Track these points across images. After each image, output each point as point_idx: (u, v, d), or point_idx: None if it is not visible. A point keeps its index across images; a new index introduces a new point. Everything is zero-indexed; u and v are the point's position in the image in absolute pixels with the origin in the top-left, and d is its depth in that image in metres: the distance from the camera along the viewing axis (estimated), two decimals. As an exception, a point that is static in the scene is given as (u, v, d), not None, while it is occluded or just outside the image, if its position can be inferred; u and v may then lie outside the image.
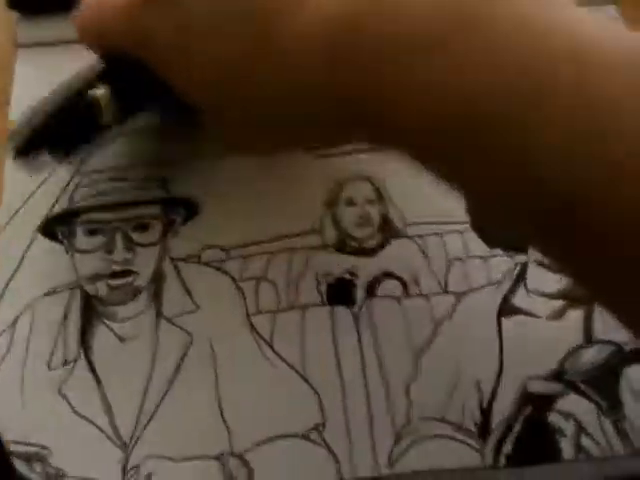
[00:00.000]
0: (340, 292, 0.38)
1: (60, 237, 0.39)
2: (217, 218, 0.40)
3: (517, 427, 0.35)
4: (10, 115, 0.42)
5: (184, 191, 0.40)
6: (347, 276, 0.38)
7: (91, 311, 0.37)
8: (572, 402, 0.36)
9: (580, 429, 0.35)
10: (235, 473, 0.33)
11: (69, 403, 0.35)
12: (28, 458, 0.33)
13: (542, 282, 0.38)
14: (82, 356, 0.36)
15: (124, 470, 0.33)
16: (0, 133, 0.41)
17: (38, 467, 0.33)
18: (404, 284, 0.38)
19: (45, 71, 0.43)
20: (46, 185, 0.40)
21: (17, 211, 0.39)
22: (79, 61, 0.42)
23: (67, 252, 0.39)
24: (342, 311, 0.38)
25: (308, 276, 0.38)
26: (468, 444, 0.34)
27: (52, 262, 0.38)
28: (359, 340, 0.37)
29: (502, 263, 0.39)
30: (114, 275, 0.38)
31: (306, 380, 0.36)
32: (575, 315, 0.38)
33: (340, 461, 0.34)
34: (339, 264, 0.39)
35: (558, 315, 0.38)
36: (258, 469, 0.33)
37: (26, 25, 0.46)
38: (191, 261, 0.39)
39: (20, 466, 0.33)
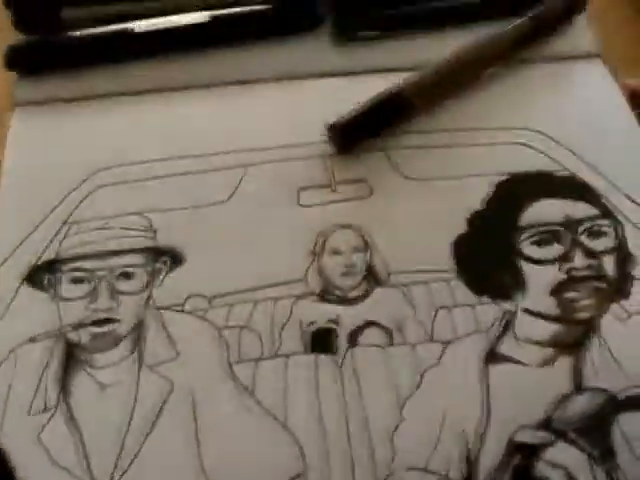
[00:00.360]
0: (323, 341, 0.38)
1: (45, 285, 0.39)
2: (202, 267, 0.40)
3: (505, 478, 0.34)
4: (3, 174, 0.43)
5: (169, 240, 0.41)
6: (331, 325, 0.38)
7: (73, 358, 0.37)
8: (561, 451, 0.35)
9: (570, 479, 0.34)
10: (213, 525, 0.33)
11: (47, 452, 0.34)
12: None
13: (530, 330, 0.38)
14: (62, 403, 0.36)
15: (100, 520, 0.33)
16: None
17: (14, 519, 0.33)
18: (389, 333, 0.38)
19: (40, 131, 0.45)
20: (34, 234, 0.41)
21: (5, 260, 0.40)
22: (76, 120, 0.45)
23: (52, 300, 0.39)
24: (325, 360, 0.37)
25: (291, 324, 0.38)
26: (454, 496, 0.34)
27: (36, 310, 0.38)
28: (342, 389, 0.36)
29: (489, 311, 0.39)
30: (97, 323, 0.38)
31: (288, 429, 0.35)
32: (564, 362, 0.37)
33: (321, 513, 0.33)
34: (323, 313, 0.39)
35: (547, 362, 0.37)
36: (236, 521, 0.33)
37: (24, 83, 0.47)
38: (175, 309, 0.38)
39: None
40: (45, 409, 0.35)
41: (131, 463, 0.34)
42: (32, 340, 0.37)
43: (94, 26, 0.49)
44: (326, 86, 0.47)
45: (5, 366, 0.37)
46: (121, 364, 0.37)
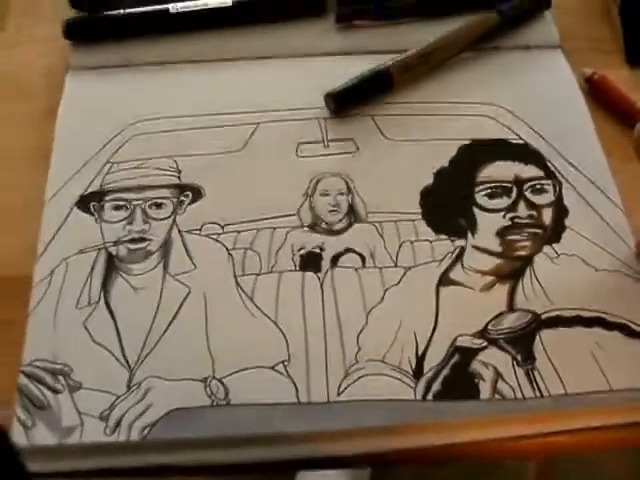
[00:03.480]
0: (310, 262, 0.47)
1: (92, 211, 0.49)
2: (216, 201, 0.50)
3: (445, 371, 0.43)
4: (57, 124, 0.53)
5: (191, 179, 0.50)
6: (317, 250, 0.48)
7: (112, 267, 0.47)
8: (493, 354, 0.44)
9: (497, 375, 0.43)
10: (215, 391, 0.42)
11: (90, 334, 0.44)
12: (54, 373, 0.43)
13: (476, 262, 0.47)
14: (102, 299, 0.45)
15: (128, 386, 0.42)
16: (46, 142, 0.52)
17: (62, 380, 0.42)
18: (363, 258, 0.47)
19: (90, 92, 0.55)
20: (83, 170, 0.51)
21: (60, 189, 0.50)
22: (119, 83, 0.55)
23: (96, 222, 0.48)
24: (311, 276, 0.47)
25: (286, 248, 0.48)
26: (404, 382, 0.42)
27: (85, 229, 0.48)
28: (322, 298, 0.46)
29: (445, 246, 0.48)
30: (133, 241, 0.48)
31: (277, 326, 0.44)
32: (502, 289, 0.46)
33: (299, 389, 0.42)
34: (311, 241, 0.48)
35: (487, 288, 0.46)
36: (233, 389, 0.42)
37: (77, 50, 0.57)
38: (194, 233, 0.48)
39: (48, 378, 0.42)
40: (89, 303, 0.45)
41: (155, 345, 0.44)
42: (81, 252, 0.47)
43: (137, 6, 0.59)
44: (328, 63, 0.57)
45: (59, 271, 0.46)
46: (150, 272, 0.47)
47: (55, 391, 0.42)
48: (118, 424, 0.41)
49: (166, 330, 0.44)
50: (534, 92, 0.55)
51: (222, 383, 0.42)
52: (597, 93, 0.55)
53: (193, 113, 0.54)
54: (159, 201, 0.49)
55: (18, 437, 0.40)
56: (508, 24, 0.56)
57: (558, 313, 0.45)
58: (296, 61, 0.57)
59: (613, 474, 0.88)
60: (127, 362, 0.43)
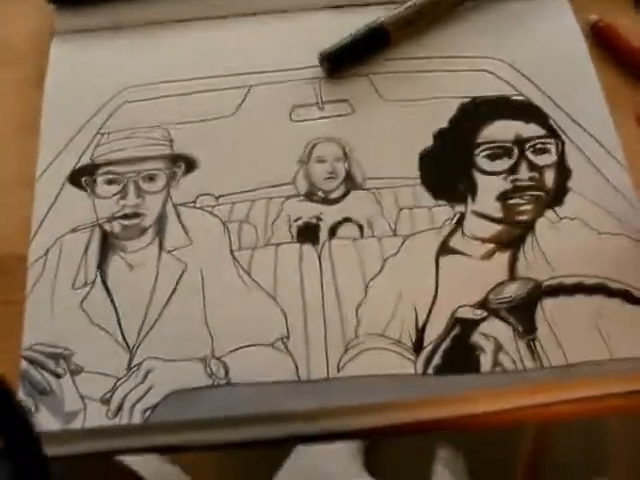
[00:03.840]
0: (307, 233, 0.46)
1: (84, 185, 0.48)
2: (210, 171, 0.48)
3: (445, 344, 0.43)
4: (45, 92, 0.52)
5: (184, 149, 0.49)
6: (314, 220, 0.47)
7: (107, 244, 0.46)
8: (493, 326, 0.43)
9: (498, 347, 0.43)
10: (215, 371, 0.42)
11: (88, 315, 0.44)
12: (56, 357, 0.43)
13: (477, 228, 0.46)
14: (99, 279, 0.45)
15: (129, 367, 0.42)
16: (34, 111, 0.51)
17: (63, 364, 0.43)
18: (361, 227, 0.46)
19: (77, 58, 0.53)
20: (74, 142, 0.49)
21: (50, 164, 0.49)
22: (106, 46, 0.53)
23: (89, 197, 0.48)
24: (308, 248, 0.46)
25: (282, 219, 0.47)
26: (404, 356, 0.42)
27: (77, 206, 0.47)
28: (320, 271, 0.45)
29: (444, 212, 0.47)
30: (126, 216, 0.47)
31: (276, 302, 0.44)
32: (502, 257, 0.45)
33: (299, 366, 0.42)
34: (308, 210, 0.47)
35: (488, 256, 0.46)
36: (233, 368, 0.42)
37: (62, 14, 0.55)
38: (188, 206, 0.47)
39: (49, 363, 0.43)
40: (86, 284, 0.45)
41: (153, 325, 0.44)
42: (74, 230, 0.47)
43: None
44: (321, 17, 0.54)
45: (53, 251, 0.46)
46: (146, 249, 0.46)
47: (57, 375, 0.42)
48: (120, 407, 0.41)
49: (164, 309, 0.44)
50: (536, 43, 0.53)
51: (222, 362, 0.42)
52: (602, 41, 0.53)
53: (183, 77, 0.51)
54: (152, 173, 0.48)
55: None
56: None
57: (560, 281, 0.44)
58: (289, 16, 0.54)
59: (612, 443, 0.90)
60: (126, 343, 0.43)
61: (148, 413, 0.41)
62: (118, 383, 0.42)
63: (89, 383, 0.42)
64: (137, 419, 0.41)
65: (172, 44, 0.54)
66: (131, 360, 0.43)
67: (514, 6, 0.54)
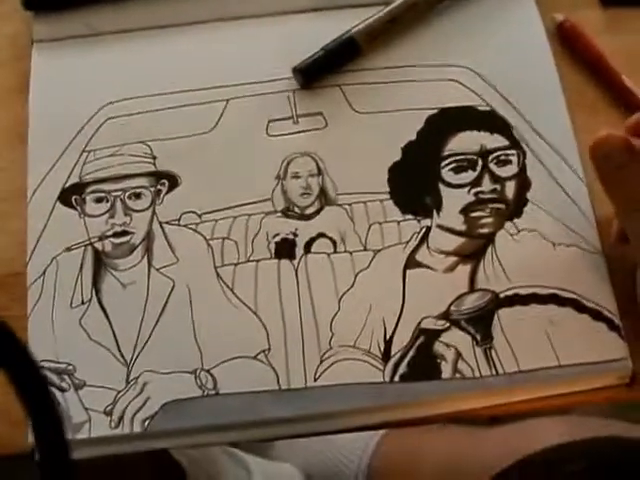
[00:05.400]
0: (285, 249, 0.50)
1: (74, 204, 0.51)
2: (193, 189, 0.51)
3: (411, 353, 0.48)
4: (30, 105, 0.53)
5: (166, 165, 0.52)
6: (290, 236, 0.50)
7: (100, 263, 0.50)
8: (454, 335, 0.48)
9: (458, 355, 0.48)
10: (204, 382, 0.47)
11: (87, 332, 0.48)
12: (59, 372, 0.47)
13: (441, 242, 0.50)
14: (95, 298, 0.49)
15: (127, 381, 0.47)
16: (20, 120, 0.53)
17: (67, 379, 0.47)
18: (334, 243, 0.50)
19: (60, 65, 0.54)
20: (61, 161, 0.52)
21: (40, 183, 0.51)
22: (92, 55, 0.54)
23: (80, 217, 0.51)
24: (286, 264, 0.50)
25: (261, 236, 0.50)
26: (373, 365, 0.47)
27: (69, 225, 0.50)
28: (297, 287, 0.49)
29: (411, 226, 0.50)
30: (116, 235, 0.50)
31: (257, 316, 0.48)
32: (464, 269, 0.49)
33: (279, 376, 0.47)
34: (285, 227, 0.51)
35: (450, 269, 0.49)
36: (220, 380, 0.47)
37: (41, 21, 0.56)
38: (173, 223, 0.51)
39: (54, 378, 0.47)
40: (82, 302, 0.49)
41: (147, 340, 0.48)
42: (68, 249, 0.50)
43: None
44: (297, 22, 0.55)
45: (50, 271, 0.49)
46: (136, 267, 0.50)
47: (62, 390, 0.47)
48: (121, 418, 0.46)
49: (155, 325, 0.48)
50: (501, 49, 0.54)
51: (210, 374, 0.47)
52: (567, 41, 0.54)
53: (163, 91, 0.53)
54: (138, 191, 0.51)
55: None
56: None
57: (515, 291, 0.49)
58: (265, 21, 0.55)
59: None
60: (123, 358, 0.48)
61: (147, 422, 0.46)
62: (118, 396, 0.47)
63: (92, 396, 0.47)
64: (138, 428, 0.46)
65: (151, 52, 0.55)
66: (129, 374, 0.47)
67: (483, 7, 0.55)
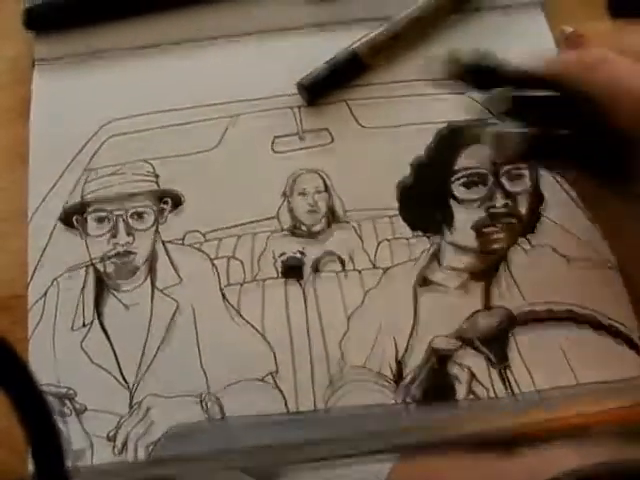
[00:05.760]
0: (292, 269, 0.49)
1: (75, 224, 0.50)
2: (197, 208, 0.50)
3: (423, 374, 0.46)
4: (31, 126, 0.52)
5: (170, 184, 0.51)
6: (298, 255, 0.49)
7: (102, 284, 0.48)
8: (468, 356, 0.46)
9: (472, 376, 0.46)
10: (210, 407, 0.45)
11: (88, 355, 0.47)
12: (60, 397, 0.46)
13: (452, 259, 0.49)
14: (96, 319, 0.48)
15: (130, 405, 0.46)
16: (21, 140, 0.52)
17: (68, 403, 0.46)
18: (342, 261, 0.49)
19: (61, 85, 0.53)
20: (62, 180, 0.51)
21: (41, 203, 0.50)
22: (93, 74, 0.53)
23: (81, 238, 0.50)
24: (293, 284, 0.48)
25: (267, 255, 0.49)
26: (384, 386, 0.46)
27: (71, 245, 0.49)
28: (305, 307, 0.48)
29: (421, 243, 0.49)
30: (118, 255, 0.49)
31: (264, 338, 0.47)
32: (477, 286, 0.48)
33: (287, 399, 0.45)
34: (292, 245, 0.49)
35: (463, 286, 0.48)
36: (227, 403, 0.45)
37: (42, 41, 0.55)
38: (177, 243, 0.49)
39: (55, 403, 0.46)
40: (84, 324, 0.48)
41: (150, 363, 0.47)
42: (70, 270, 0.49)
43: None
44: (301, 39, 0.55)
45: (51, 292, 0.48)
46: (139, 288, 0.48)
47: (63, 415, 0.46)
48: (125, 444, 0.45)
49: (159, 348, 0.47)
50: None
51: (216, 398, 0.46)
52: (576, 53, 0.54)
53: (165, 108, 0.52)
54: (140, 210, 0.50)
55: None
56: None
57: (530, 309, 0.47)
58: (270, 37, 0.55)
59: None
60: (126, 382, 0.46)
61: (151, 448, 0.45)
62: (121, 421, 0.45)
63: (94, 421, 0.45)
64: (142, 454, 0.45)
65: (153, 70, 0.54)
66: (132, 398, 0.46)
67: (491, 20, 0.55)
